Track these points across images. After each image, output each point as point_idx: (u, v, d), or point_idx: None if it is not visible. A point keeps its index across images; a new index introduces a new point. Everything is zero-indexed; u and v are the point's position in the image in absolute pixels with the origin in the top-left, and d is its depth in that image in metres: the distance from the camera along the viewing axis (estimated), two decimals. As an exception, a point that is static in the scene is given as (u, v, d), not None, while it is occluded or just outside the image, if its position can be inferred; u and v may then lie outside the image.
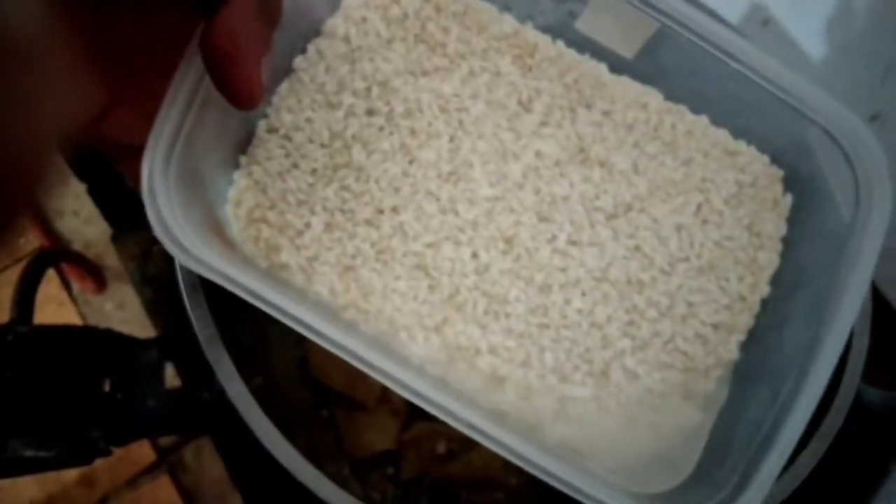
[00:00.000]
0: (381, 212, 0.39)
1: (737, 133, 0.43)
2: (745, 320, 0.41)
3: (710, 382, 0.40)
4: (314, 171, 0.39)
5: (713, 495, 0.35)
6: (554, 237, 0.40)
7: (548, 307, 0.39)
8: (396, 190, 0.39)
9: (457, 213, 0.39)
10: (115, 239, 0.75)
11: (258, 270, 0.38)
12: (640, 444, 0.39)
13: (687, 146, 0.42)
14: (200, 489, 0.73)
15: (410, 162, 0.40)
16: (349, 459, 0.66)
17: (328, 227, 0.39)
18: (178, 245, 0.32)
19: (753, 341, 0.41)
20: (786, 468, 0.43)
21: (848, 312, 0.36)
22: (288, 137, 0.40)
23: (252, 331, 0.57)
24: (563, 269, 0.39)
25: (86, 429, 0.46)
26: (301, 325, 0.33)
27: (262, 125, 0.40)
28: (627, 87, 0.43)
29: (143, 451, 0.73)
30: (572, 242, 0.40)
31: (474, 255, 0.39)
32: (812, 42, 0.71)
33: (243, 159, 0.40)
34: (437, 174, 0.40)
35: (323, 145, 0.40)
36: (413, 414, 0.67)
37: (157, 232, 0.32)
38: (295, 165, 0.39)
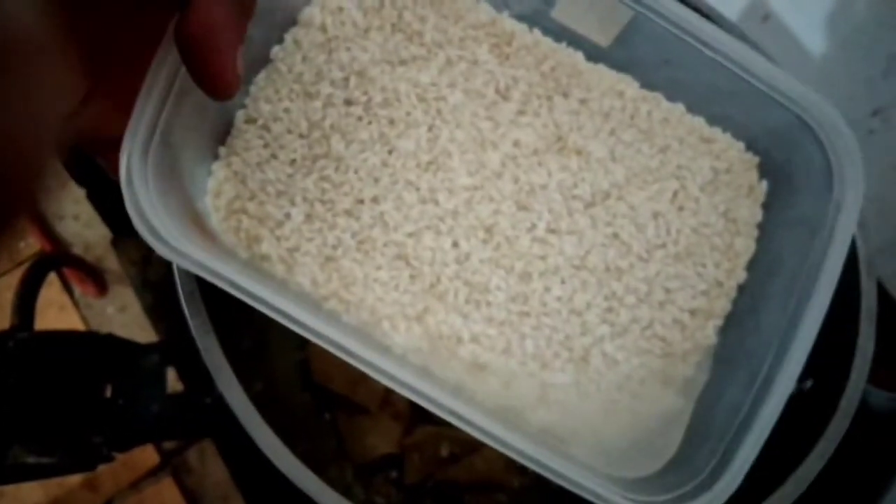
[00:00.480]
0: (360, 202, 0.39)
1: (712, 120, 0.43)
2: (722, 305, 0.41)
3: (688, 367, 0.40)
4: (293, 162, 0.39)
5: (692, 479, 0.35)
6: (533, 226, 0.40)
7: (528, 295, 0.39)
8: (376, 180, 0.39)
9: (436, 203, 0.39)
10: (115, 244, 0.76)
11: (239, 262, 0.38)
12: (621, 430, 0.39)
13: (663, 133, 0.42)
14: (204, 491, 0.73)
15: (389, 152, 0.40)
16: (352, 464, 0.66)
17: (308, 217, 0.39)
18: (158, 237, 0.32)
19: (731, 326, 0.41)
20: (792, 471, 0.44)
21: (823, 297, 0.37)
22: (266, 128, 0.40)
23: (252, 335, 0.57)
24: (543, 258, 0.40)
25: (88, 435, 0.46)
26: (282, 315, 0.33)
27: (240, 115, 0.40)
28: (603, 74, 0.43)
29: (146, 454, 0.73)
30: (551, 231, 0.40)
31: (455, 245, 0.39)
32: (813, 37, 0.72)
33: (222, 150, 0.39)
34: (416, 164, 0.40)
35: (301, 136, 0.40)
36: (415, 417, 0.68)
37: (136, 223, 0.32)
38: (274, 156, 0.39)
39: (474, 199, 0.40)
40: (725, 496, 0.33)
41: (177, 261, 0.32)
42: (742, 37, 0.51)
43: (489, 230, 0.39)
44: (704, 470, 0.35)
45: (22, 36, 0.19)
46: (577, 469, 0.33)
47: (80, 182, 0.74)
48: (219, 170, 0.39)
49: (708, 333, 0.41)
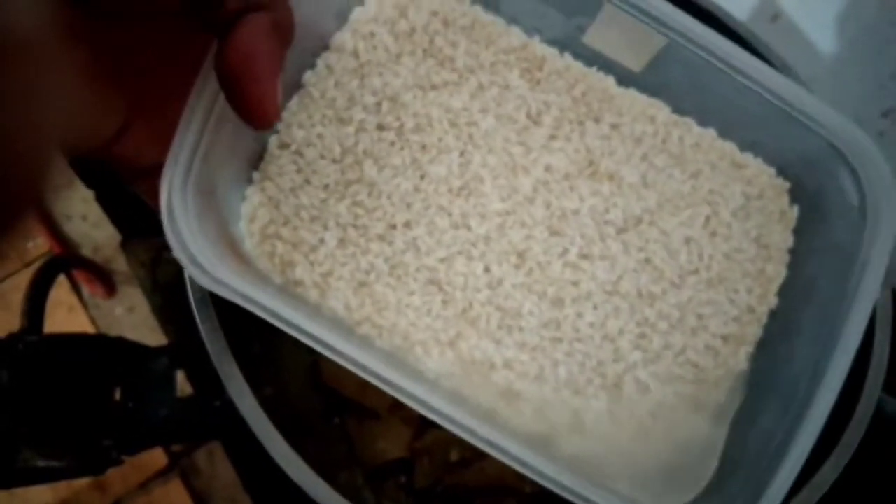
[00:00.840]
0: (393, 227, 0.39)
1: (744, 146, 0.44)
2: (754, 331, 0.41)
3: (721, 394, 0.41)
4: (326, 187, 0.39)
5: (728, 508, 0.35)
6: (565, 251, 0.40)
7: (560, 321, 0.39)
8: (408, 205, 0.40)
9: (469, 228, 0.40)
10: (125, 245, 0.75)
11: (274, 287, 0.38)
12: (654, 457, 0.39)
13: (695, 159, 0.43)
14: (212, 493, 0.73)
15: (422, 177, 0.40)
16: (362, 468, 0.66)
17: (341, 242, 0.39)
18: (199, 267, 0.32)
19: (763, 352, 0.41)
20: (806, 481, 0.43)
21: (857, 326, 0.37)
22: (299, 153, 0.40)
23: (262, 339, 0.56)
24: (575, 283, 0.40)
25: (97, 438, 0.46)
26: (319, 343, 0.33)
27: (273, 141, 0.40)
28: (635, 99, 0.43)
29: (155, 455, 0.72)
30: (583, 256, 0.40)
31: (487, 270, 0.39)
32: (822, 37, 0.71)
33: (255, 175, 0.40)
34: (448, 189, 0.40)
35: (334, 161, 0.40)
36: (425, 422, 0.63)
37: (177, 253, 0.32)
38: (307, 181, 0.39)
39: (506, 225, 0.40)
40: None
41: (216, 290, 0.33)
42: (751, 36, 0.51)
43: (521, 255, 0.40)
44: (738, 499, 0.35)
45: (21, 36, 0.19)
46: (615, 500, 0.34)
47: (90, 184, 0.74)
48: (253, 195, 0.39)
49: (740, 359, 0.41)
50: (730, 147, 0.43)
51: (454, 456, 0.65)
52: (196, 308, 0.44)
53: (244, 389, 0.43)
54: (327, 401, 0.67)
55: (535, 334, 0.39)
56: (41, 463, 0.44)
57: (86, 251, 0.76)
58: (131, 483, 0.72)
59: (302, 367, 0.67)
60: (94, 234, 0.76)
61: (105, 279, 0.75)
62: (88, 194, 0.75)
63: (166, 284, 0.75)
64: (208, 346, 0.44)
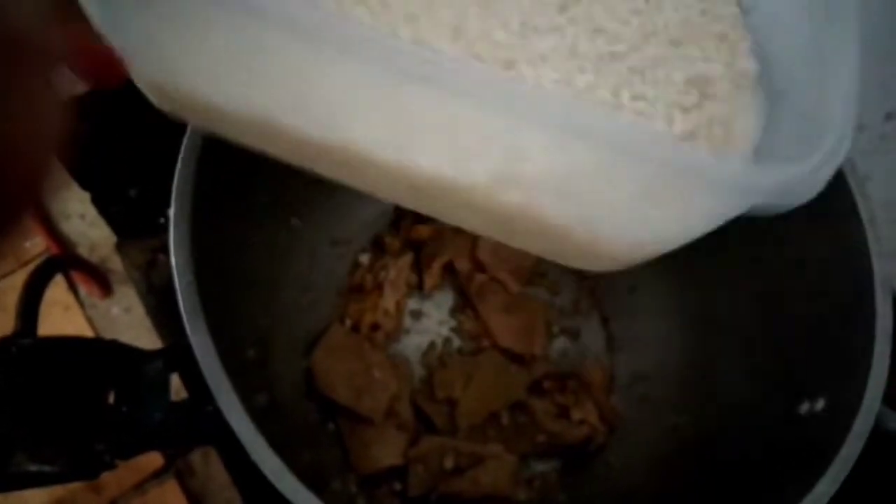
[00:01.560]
0: None
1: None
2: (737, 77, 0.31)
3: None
4: None
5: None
6: (506, 22, 0.30)
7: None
8: None
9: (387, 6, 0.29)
10: (120, 248, 0.69)
11: None
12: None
13: None
14: (208, 494, 0.64)
15: None
16: (355, 475, 0.58)
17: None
18: None
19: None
20: (805, 494, 0.39)
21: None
22: None
23: (256, 346, 0.52)
24: (525, 47, 0.29)
25: (90, 442, 0.41)
26: None
27: None
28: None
29: (150, 457, 0.65)
30: (528, 28, 0.30)
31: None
32: (825, 39, 0.65)
33: None
34: None
35: None
36: (420, 428, 0.61)
37: None
38: None
39: (436, 4, 0.30)
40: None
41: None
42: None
43: (456, 29, 0.29)
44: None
45: (22, 38, 0.17)
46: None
47: (85, 186, 0.68)
48: None
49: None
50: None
51: (448, 464, 0.58)
52: (187, 318, 0.40)
53: (234, 402, 0.38)
54: (321, 407, 0.61)
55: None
56: (34, 467, 0.40)
57: (83, 250, 0.70)
58: (126, 484, 0.64)
59: (296, 373, 0.61)
60: (91, 234, 0.70)
61: (101, 279, 0.67)
62: (85, 194, 0.70)
63: (161, 287, 0.68)
64: (199, 359, 0.39)
